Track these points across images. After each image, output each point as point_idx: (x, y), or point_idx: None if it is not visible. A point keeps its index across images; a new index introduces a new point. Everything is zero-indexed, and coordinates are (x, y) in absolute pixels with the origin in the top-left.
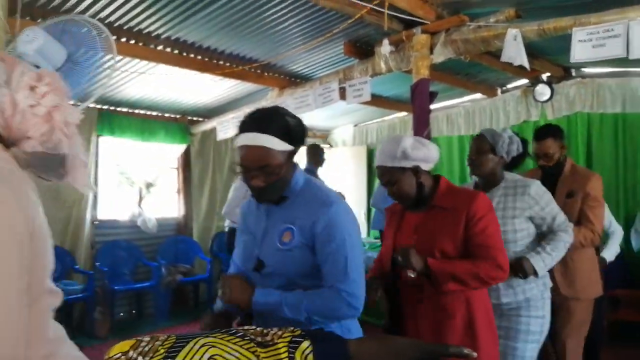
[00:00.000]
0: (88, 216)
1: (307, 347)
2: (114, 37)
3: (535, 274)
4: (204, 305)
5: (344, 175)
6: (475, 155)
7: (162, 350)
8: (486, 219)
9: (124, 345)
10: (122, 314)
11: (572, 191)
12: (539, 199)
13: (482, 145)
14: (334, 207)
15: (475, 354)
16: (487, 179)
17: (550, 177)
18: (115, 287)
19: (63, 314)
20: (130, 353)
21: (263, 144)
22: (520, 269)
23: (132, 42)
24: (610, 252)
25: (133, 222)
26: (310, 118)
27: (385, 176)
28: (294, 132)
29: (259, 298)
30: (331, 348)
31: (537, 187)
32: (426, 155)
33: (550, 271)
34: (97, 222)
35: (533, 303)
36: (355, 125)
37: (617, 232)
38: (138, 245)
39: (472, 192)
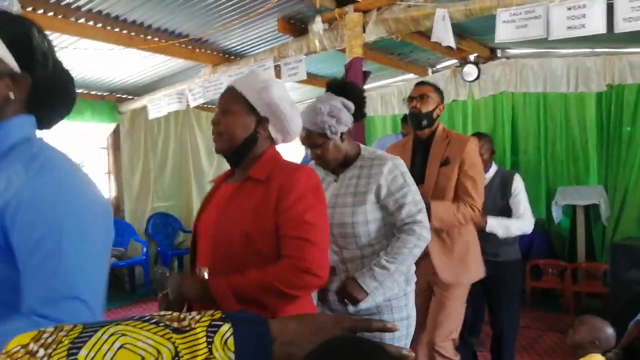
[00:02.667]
0: None
1: (227, 331)
2: (30, 9)
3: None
4: (141, 288)
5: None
6: (311, 151)
7: (66, 341)
8: (305, 202)
9: (24, 337)
10: None
11: (447, 159)
12: (391, 181)
13: (310, 139)
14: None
15: (398, 328)
16: (337, 163)
17: (421, 144)
18: None
19: None
20: (31, 345)
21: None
22: (345, 293)
23: (51, 14)
24: (496, 223)
25: None
26: None
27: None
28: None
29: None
30: (252, 330)
31: (393, 166)
32: (344, 119)
33: (427, 254)
34: None
35: (395, 303)
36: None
37: (524, 220)
38: None
39: (295, 165)
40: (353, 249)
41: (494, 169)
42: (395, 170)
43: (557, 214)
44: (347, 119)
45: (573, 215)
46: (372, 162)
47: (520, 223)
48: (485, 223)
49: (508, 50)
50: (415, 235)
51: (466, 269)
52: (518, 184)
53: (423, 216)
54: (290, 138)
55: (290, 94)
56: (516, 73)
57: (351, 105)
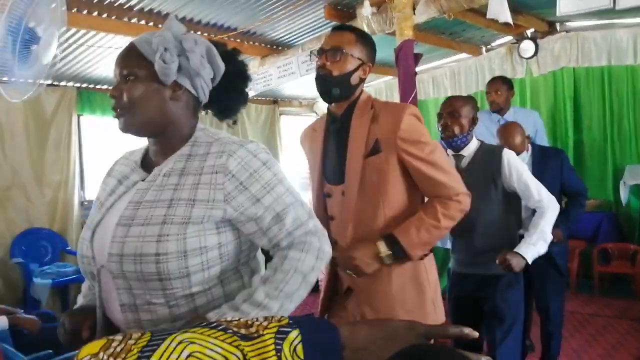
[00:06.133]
0: (76, 197)
1: (296, 337)
2: (85, 12)
3: None
4: None
5: None
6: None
7: (135, 350)
8: None
9: (94, 346)
10: None
11: (376, 143)
12: (246, 180)
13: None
14: None
15: (476, 334)
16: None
17: (336, 125)
18: None
19: (59, 297)
20: (101, 355)
21: None
22: None
23: (105, 15)
24: (532, 245)
25: None
26: (296, 87)
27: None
28: None
29: None
30: (322, 336)
31: (247, 154)
32: None
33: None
34: (86, 203)
35: None
36: None
37: (549, 208)
38: None
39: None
40: (159, 304)
41: (474, 143)
42: (251, 162)
43: (625, 195)
44: (202, 70)
45: None
46: (208, 150)
47: (548, 216)
48: (525, 259)
49: (568, 23)
50: (312, 251)
51: (404, 307)
52: (510, 157)
53: (316, 222)
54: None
55: None
56: (577, 47)
57: (220, 63)
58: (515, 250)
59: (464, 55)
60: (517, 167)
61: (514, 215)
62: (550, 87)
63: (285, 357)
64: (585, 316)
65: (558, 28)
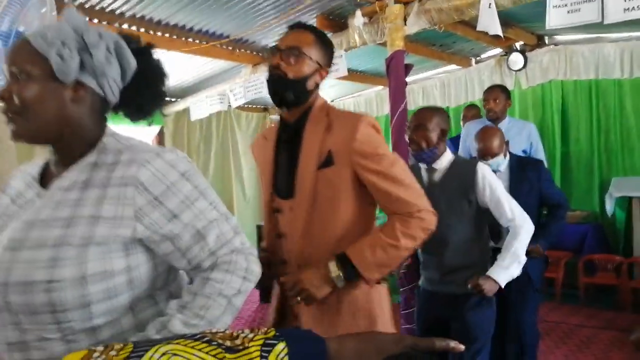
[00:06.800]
0: None
1: (283, 350)
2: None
3: None
4: None
5: None
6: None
7: None
8: None
9: (74, 356)
10: None
11: (328, 154)
12: (161, 194)
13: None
14: None
15: (462, 347)
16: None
17: (288, 133)
18: None
19: None
20: None
21: None
22: None
23: (95, 21)
24: (503, 269)
25: None
26: None
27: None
28: None
29: None
30: (309, 349)
31: (163, 165)
32: None
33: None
34: None
35: None
36: (332, 101)
37: (522, 228)
38: None
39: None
40: (54, 339)
41: (447, 157)
42: (168, 173)
43: (610, 206)
44: (108, 67)
45: (629, 207)
46: (117, 158)
47: (521, 237)
48: (497, 283)
49: (556, 36)
50: (238, 271)
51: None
52: (485, 172)
53: (243, 239)
54: None
55: (330, 90)
56: (566, 60)
57: (130, 59)
58: (488, 273)
59: (453, 66)
60: (491, 182)
61: (486, 231)
62: (538, 99)
63: None
64: (571, 326)
65: (547, 41)
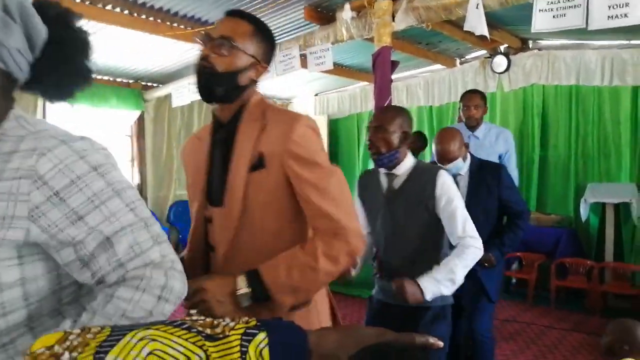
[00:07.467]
0: None
1: (263, 340)
2: None
3: None
4: None
5: None
6: None
7: (93, 344)
8: None
9: (49, 338)
10: None
11: (260, 156)
12: (65, 191)
13: None
14: None
15: (441, 344)
16: None
17: (222, 133)
18: None
19: None
20: (56, 348)
21: None
22: None
23: (77, 0)
24: (433, 283)
25: None
26: (270, 87)
27: None
28: None
29: None
30: (290, 340)
31: (58, 158)
32: None
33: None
34: None
35: None
36: (316, 95)
37: (469, 251)
38: None
39: None
40: None
41: (409, 162)
42: (74, 165)
43: (584, 212)
44: (5, 34)
45: (602, 213)
46: (16, 147)
47: (465, 258)
48: (422, 294)
49: (540, 41)
50: (152, 289)
51: None
52: (446, 181)
53: (164, 251)
54: None
55: (315, 83)
56: (548, 65)
57: (38, 26)
58: (418, 280)
59: (438, 66)
60: (450, 194)
61: (446, 241)
62: (520, 102)
63: (250, 359)
64: (542, 328)
65: (530, 45)
